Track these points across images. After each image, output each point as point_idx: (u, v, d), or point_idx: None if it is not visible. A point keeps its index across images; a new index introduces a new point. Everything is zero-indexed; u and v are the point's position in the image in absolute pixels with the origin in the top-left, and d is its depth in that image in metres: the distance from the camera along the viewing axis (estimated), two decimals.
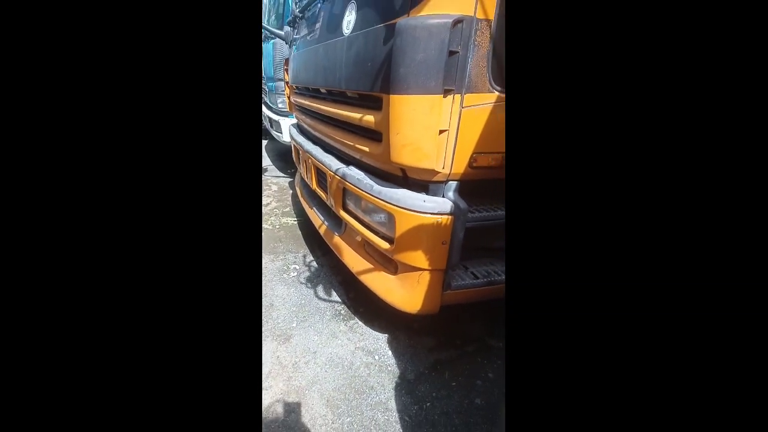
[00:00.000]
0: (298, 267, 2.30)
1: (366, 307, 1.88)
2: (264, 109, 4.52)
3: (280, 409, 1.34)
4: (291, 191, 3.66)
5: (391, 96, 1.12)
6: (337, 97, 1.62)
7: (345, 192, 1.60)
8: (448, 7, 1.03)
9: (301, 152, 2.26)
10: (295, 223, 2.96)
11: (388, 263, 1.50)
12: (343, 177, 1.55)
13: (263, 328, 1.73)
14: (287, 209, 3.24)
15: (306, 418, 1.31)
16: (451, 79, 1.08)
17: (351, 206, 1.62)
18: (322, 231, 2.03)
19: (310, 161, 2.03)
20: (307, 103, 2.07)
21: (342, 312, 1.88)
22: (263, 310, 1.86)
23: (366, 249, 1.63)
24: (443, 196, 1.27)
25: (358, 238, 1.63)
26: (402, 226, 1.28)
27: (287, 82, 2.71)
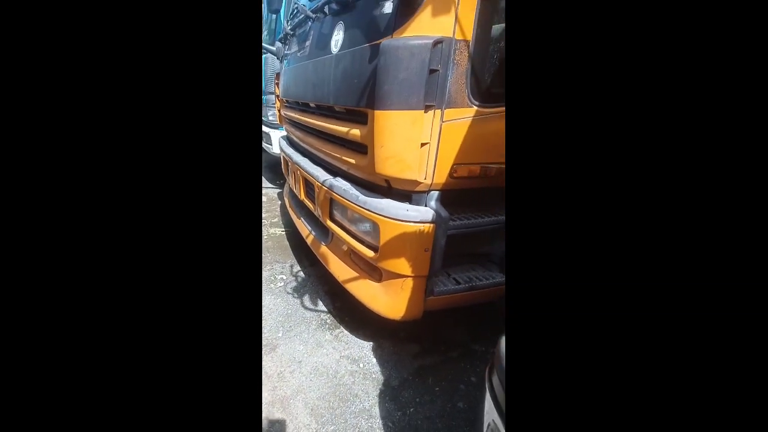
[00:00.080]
0: (285, 277, 2.31)
1: (352, 316, 1.90)
2: None
3: (264, 419, 1.34)
4: (280, 202, 3.67)
5: (375, 111, 1.19)
6: (325, 111, 1.69)
7: (332, 202, 1.65)
8: (428, 29, 1.12)
9: (290, 164, 2.31)
10: (283, 233, 2.97)
11: (372, 271, 1.54)
12: (331, 188, 1.60)
13: None
14: (275, 220, 3.25)
15: (290, 427, 1.31)
16: (431, 96, 1.15)
17: (338, 216, 1.66)
18: (309, 241, 2.06)
19: (298, 172, 2.08)
20: (296, 116, 2.13)
21: (328, 321, 1.89)
22: None
23: (352, 258, 1.66)
24: (426, 206, 1.33)
25: (345, 248, 1.66)
26: (386, 235, 1.33)
27: (278, 96, 2.77)
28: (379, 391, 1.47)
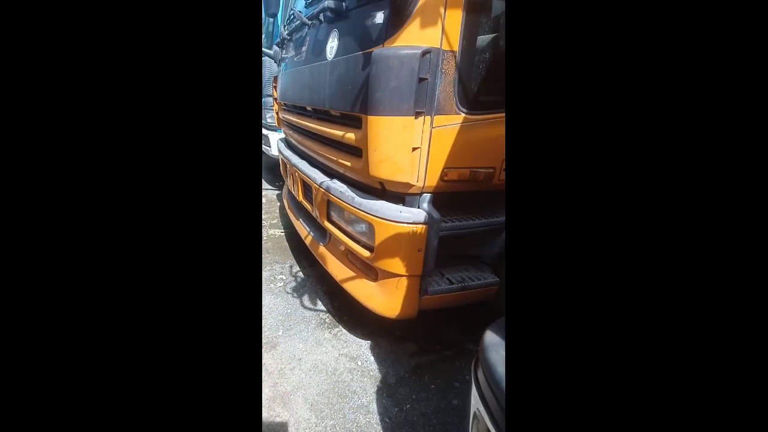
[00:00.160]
0: (284, 277, 2.36)
1: (350, 315, 1.94)
2: None
3: (265, 413, 1.38)
4: (279, 203, 3.72)
5: (369, 117, 1.24)
6: (322, 115, 1.73)
7: (329, 204, 1.70)
8: (417, 39, 1.17)
9: (288, 166, 2.35)
10: (283, 234, 3.01)
11: (369, 271, 1.58)
12: (328, 190, 1.65)
13: None
14: (275, 221, 3.30)
15: (290, 422, 1.36)
16: (421, 103, 1.20)
17: (335, 217, 1.71)
18: (308, 241, 2.11)
19: (297, 174, 2.12)
20: (294, 119, 2.18)
21: (327, 320, 1.94)
22: None
23: (349, 258, 1.71)
24: (418, 207, 1.37)
25: (342, 248, 1.71)
26: (381, 235, 1.38)
27: (276, 99, 2.82)
28: (376, 388, 1.51)
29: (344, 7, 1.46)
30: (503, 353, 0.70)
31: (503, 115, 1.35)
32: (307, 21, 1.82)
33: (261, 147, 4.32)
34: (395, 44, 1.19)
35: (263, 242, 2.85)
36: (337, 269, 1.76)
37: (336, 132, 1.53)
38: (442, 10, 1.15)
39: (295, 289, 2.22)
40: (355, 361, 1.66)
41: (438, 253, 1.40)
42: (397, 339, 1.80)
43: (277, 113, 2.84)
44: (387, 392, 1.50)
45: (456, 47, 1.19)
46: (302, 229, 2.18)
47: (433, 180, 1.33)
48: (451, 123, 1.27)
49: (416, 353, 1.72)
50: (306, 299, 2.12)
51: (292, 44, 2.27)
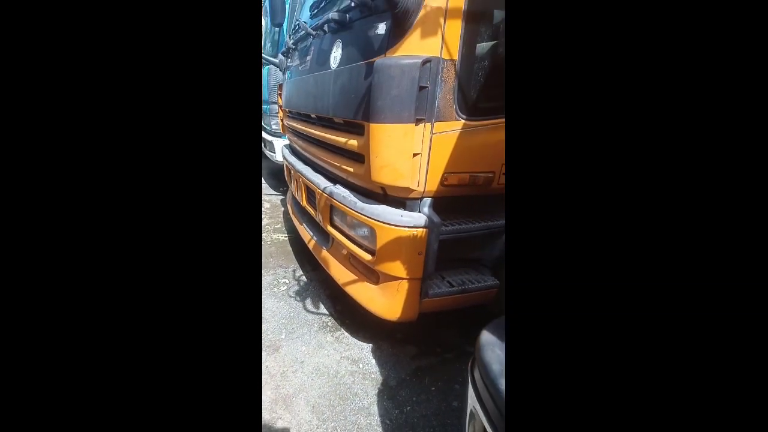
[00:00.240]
0: (287, 281, 2.38)
1: (352, 319, 1.96)
2: None
3: (267, 416, 1.40)
4: (283, 208, 3.76)
5: (371, 124, 1.28)
6: (325, 122, 1.78)
7: (332, 208, 1.73)
8: (418, 49, 1.21)
9: (292, 171, 2.40)
10: (286, 239, 3.05)
11: (370, 274, 1.61)
12: (331, 195, 1.69)
13: None
14: (279, 226, 3.34)
15: (293, 424, 1.38)
16: (421, 110, 1.24)
17: (337, 221, 1.74)
18: (311, 246, 2.14)
19: (300, 180, 2.17)
20: (298, 126, 2.23)
21: (329, 324, 1.96)
22: None
23: (351, 261, 1.74)
24: (419, 212, 1.40)
25: (344, 252, 1.74)
26: (382, 239, 1.41)
27: (281, 106, 2.88)
28: (377, 390, 1.53)
29: (347, 18, 1.51)
30: (499, 352, 0.73)
31: (502, 120, 1.38)
32: (311, 31, 1.88)
33: (261, 149, 4.38)
34: (396, 54, 1.23)
35: (267, 247, 2.89)
36: (339, 273, 1.79)
37: (339, 139, 1.57)
38: (441, 20, 1.19)
39: (298, 293, 2.25)
40: (356, 363, 1.67)
41: (438, 256, 1.42)
42: (398, 342, 1.81)
43: (281, 120, 2.89)
44: (388, 394, 1.51)
45: (455, 56, 1.23)
46: (305, 233, 2.21)
47: (433, 185, 1.36)
48: (451, 129, 1.31)
49: (417, 356, 1.73)
50: (309, 303, 2.14)
51: (297, 53, 2.34)
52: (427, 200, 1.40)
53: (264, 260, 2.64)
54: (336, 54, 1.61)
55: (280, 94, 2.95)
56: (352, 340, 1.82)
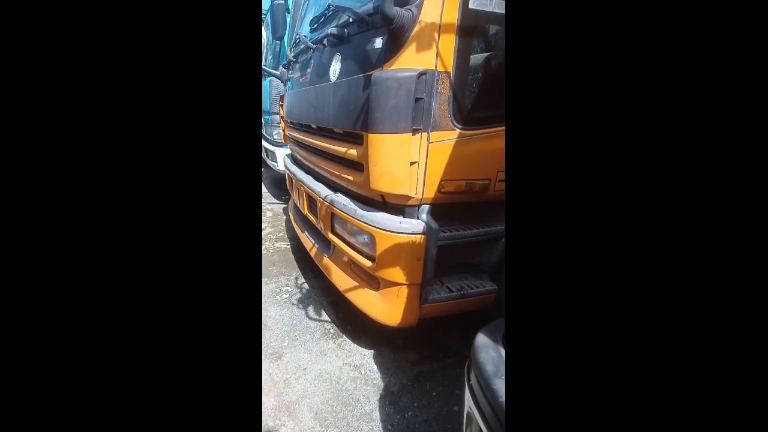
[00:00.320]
0: (290, 289, 2.41)
1: (354, 325, 1.98)
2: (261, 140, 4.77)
3: (271, 422, 1.42)
4: (285, 217, 3.80)
5: (369, 134, 1.32)
6: (325, 132, 1.83)
7: (333, 216, 1.77)
8: (413, 62, 1.26)
9: (294, 180, 2.44)
10: (288, 247, 3.08)
11: (371, 280, 1.64)
12: (331, 203, 1.72)
13: None
14: (281, 234, 3.37)
15: (296, 430, 1.39)
16: (418, 120, 1.28)
17: (338, 229, 1.77)
18: (312, 253, 2.17)
19: (302, 189, 2.21)
20: (300, 136, 2.28)
21: (331, 331, 1.97)
22: None
23: (352, 268, 1.76)
24: (417, 218, 1.44)
25: (345, 259, 1.77)
26: (382, 245, 1.44)
27: (282, 116, 2.95)
28: (379, 396, 1.54)
29: (346, 33, 1.57)
30: (493, 354, 0.75)
31: (496, 129, 1.42)
32: (311, 45, 1.94)
33: (261, 158, 4.43)
34: (393, 67, 1.28)
35: (270, 255, 2.92)
36: (340, 279, 1.82)
37: (339, 148, 1.62)
38: (436, 35, 1.24)
39: (300, 301, 2.27)
40: (358, 370, 1.69)
41: (437, 262, 1.45)
42: (400, 348, 1.83)
43: (283, 130, 2.96)
44: (389, 400, 1.52)
45: (450, 68, 1.28)
46: (307, 241, 2.25)
47: (431, 192, 1.40)
48: (446, 138, 1.35)
49: (418, 361, 1.74)
50: (311, 310, 2.16)
51: (297, 66, 2.40)
52: (425, 207, 1.44)
53: (267, 268, 2.67)
54: (335, 67, 1.67)
55: (281, 105, 3.02)
56: (354, 347, 1.84)
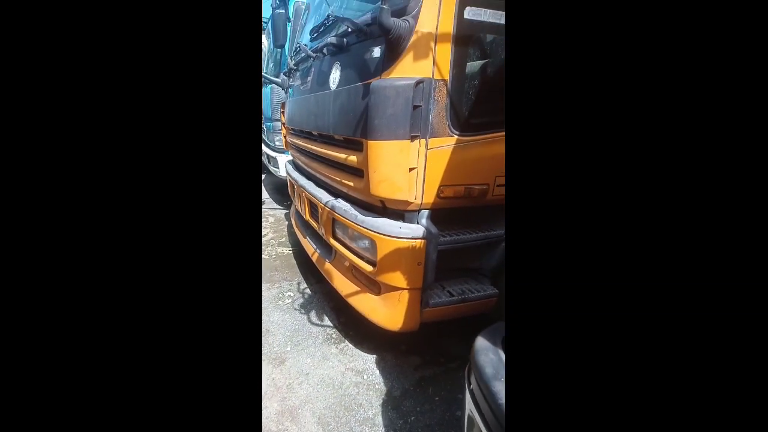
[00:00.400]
0: (292, 294, 2.42)
1: (356, 330, 1.99)
2: (263, 146, 4.82)
3: (274, 427, 1.43)
4: (287, 222, 3.83)
5: (368, 141, 1.34)
6: (326, 139, 1.85)
7: (334, 221, 1.79)
8: (411, 71, 1.29)
9: (295, 186, 2.47)
10: (290, 252, 3.10)
11: (372, 285, 1.65)
12: (333, 208, 1.75)
13: None
14: (283, 240, 3.40)
15: None
16: (416, 127, 1.31)
17: (339, 234, 1.79)
18: (314, 258, 2.19)
19: (303, 194, 2.23)
20: (301, 143, 2.31)
21: (333, 336, 1.98)
22: None
23: (353, 273, 1.78)
24: (417, 223, 1.45)
25: (346, 263, 1.78)
26: (382, 250, 1.46)
27: (283, 123, 2.98)
28: (382, 401, 1.54)
29: (345, 42, 1.60)
30: (492, 356, 0.76)
31: (494, 135, 1.44)
32: (312, 54, 1.98)
33: (261, 164, 4.47)
34: (391, 76, 1.31)
35: (272, 260, 2.94)
36: (342, 284, 1.83)
37: (339, 155, 1.64)
38: (432, 44, 1.27)
39: (302, 306, 2.28)
40: (361, 375, 1.69)
41: (438, 266, 1.46)
42: (402, 353, 1.83)
43: (284, 137, 3.00)
44: (392, 405, 1.53)
45: (447, 76, 1.31)
46: (309, 246, 2.27)
47: (430, 197, 1.42)
48: (445, 144, 1.37)
49: (420, 366, 1.75)
50: (313, 315, 2.18)
51: (298, 74, 2.44)
52: (425, 212, 1.46)
53: (269, 274, 2.69)
54: (335, 75, 1.70)
55: (282, 112, 3.06)
56: (356, 352, 1.85)
